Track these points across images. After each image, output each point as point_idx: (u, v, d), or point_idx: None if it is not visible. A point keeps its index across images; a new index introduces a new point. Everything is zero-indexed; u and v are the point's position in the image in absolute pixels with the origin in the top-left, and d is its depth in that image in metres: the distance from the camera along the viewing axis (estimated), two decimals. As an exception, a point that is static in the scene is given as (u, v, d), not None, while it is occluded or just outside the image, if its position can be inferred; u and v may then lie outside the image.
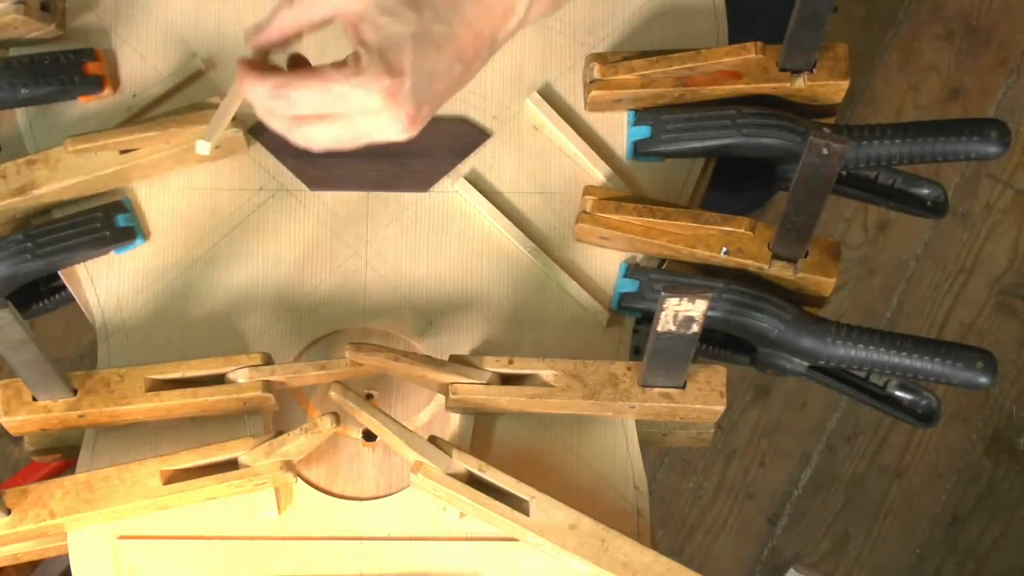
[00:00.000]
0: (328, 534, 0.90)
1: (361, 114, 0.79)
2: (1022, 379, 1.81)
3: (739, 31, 1.03)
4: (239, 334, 0.96)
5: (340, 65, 0.78)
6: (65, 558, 0.89)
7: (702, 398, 0.90)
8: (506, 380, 0.91)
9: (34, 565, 1.41)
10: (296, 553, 0.90)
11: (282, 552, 0.90)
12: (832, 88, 0.99)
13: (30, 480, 1.25)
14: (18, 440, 0.99)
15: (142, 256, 0.97)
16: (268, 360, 0.91)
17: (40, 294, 1.00)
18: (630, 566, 0.86)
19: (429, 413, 0.94)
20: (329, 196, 0.99)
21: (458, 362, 0.90)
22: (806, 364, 0.96)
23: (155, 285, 0.96)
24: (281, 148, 0.99)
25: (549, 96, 1.01)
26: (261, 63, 0.82)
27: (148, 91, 1.01)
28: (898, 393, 0.98)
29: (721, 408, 0.91)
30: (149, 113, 1.00)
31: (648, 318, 0.96)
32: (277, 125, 0.81)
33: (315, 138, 0.81)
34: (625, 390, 0.90)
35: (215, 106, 0.96)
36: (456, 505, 0.88)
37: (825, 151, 0.84)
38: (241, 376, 0.90)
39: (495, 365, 0.90)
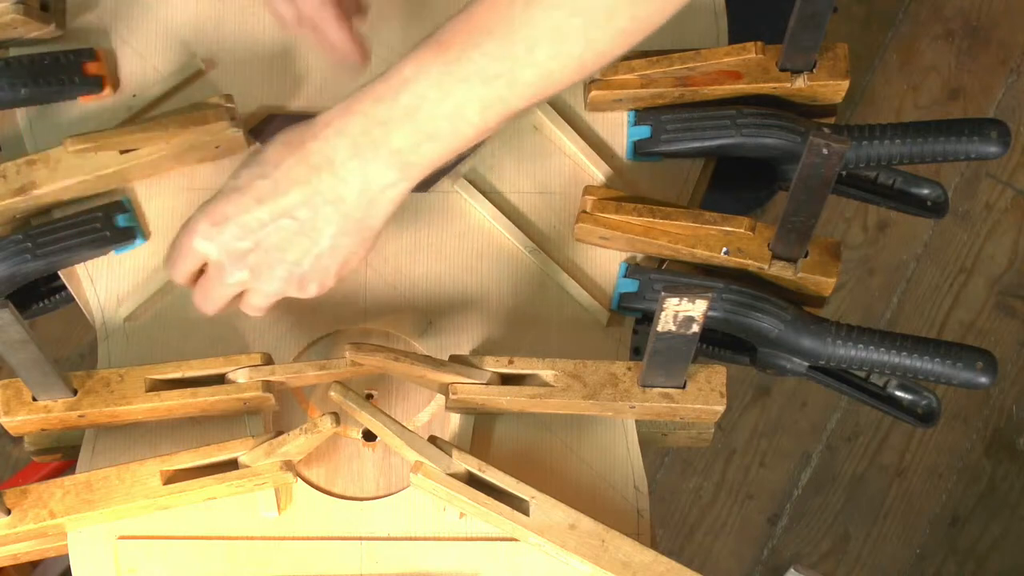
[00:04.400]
0: (328, 534, 0.90)
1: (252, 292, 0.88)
2: (1022, 379, 1.80)
3: (739, 31, 1.03)
4: (239, 334, 0.96)
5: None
6: (65, 558, 0.89)
7: (702, 398, 0.90)
8: (506, 380, 0.91)
9: (34, 565, 1.41)
10: (296, 553, 0.90)
11: (282, 552, 0.90)
12: (832, 88, 0.99)
13: (30, 480, 1.24)
14: (18, 440, 0.99)
15: (142, 256, 0.97)
16: (268, 360, 0.91)
17: (40, 294, 1.00)
18: (630, 566, 0.86)
19: (429, 413, 0.94)
20: (329, 196, 0.99)
21: (458, 362, 0.90)
22: (806, 364, 0.96)
23: (155, 285, 0.96)
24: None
25: (549, 96, 1.01)
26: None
27: (148, 91, 1.01)
28: (898, 393, 0.98)
29: (721, 408, 0.90)
30: (149, 113, 1.00)
31: (648, 318, 0.96)
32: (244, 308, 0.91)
33: (252, 305, 0.89)
34: (625, 390, 0.90)
35: (215, 106, 0.96)
36: (456, 505, 0.88)
37: (825, 151, 0.84)
38: (241, 376, 0.90)
39: (495, 365, 0.90)
